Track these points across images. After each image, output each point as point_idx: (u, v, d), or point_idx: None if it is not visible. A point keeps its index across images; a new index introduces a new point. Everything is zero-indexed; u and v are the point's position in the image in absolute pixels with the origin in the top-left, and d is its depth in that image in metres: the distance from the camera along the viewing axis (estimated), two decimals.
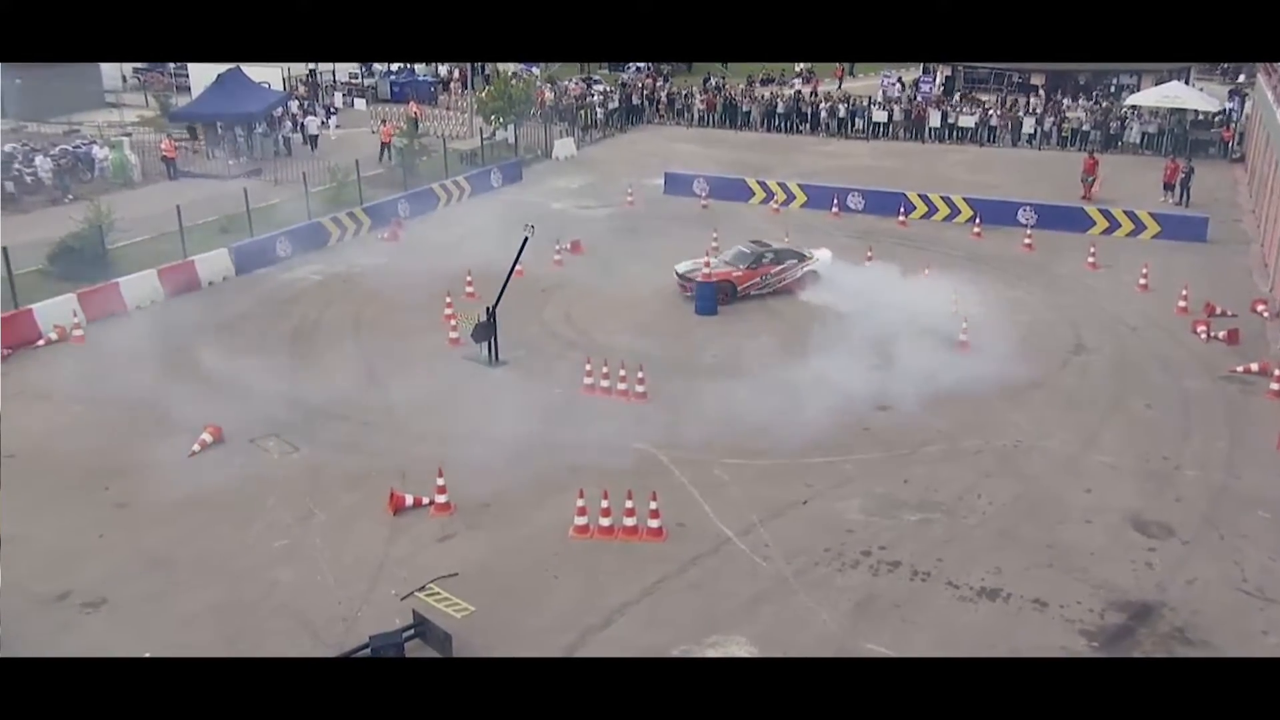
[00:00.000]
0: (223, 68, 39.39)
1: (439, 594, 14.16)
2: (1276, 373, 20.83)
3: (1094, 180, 35.98)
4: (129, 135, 40.37)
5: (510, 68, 55.38)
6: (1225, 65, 60.42)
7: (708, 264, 25.62)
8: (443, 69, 58.77)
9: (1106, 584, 14.58)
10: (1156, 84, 46.47)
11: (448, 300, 24.25)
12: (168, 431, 18.48)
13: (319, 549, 15.33)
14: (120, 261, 26.41)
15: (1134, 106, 44.86)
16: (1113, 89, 51.39)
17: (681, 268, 26.07)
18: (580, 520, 15.70)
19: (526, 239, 21.70)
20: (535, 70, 57.13)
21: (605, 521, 15.67)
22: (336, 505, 16.50)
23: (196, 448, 18.07)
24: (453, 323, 23.28)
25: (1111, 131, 43.98)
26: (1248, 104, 45.74)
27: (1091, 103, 48.82)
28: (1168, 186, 35.82)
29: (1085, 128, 44.44)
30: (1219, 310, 24.73)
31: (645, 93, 52.42)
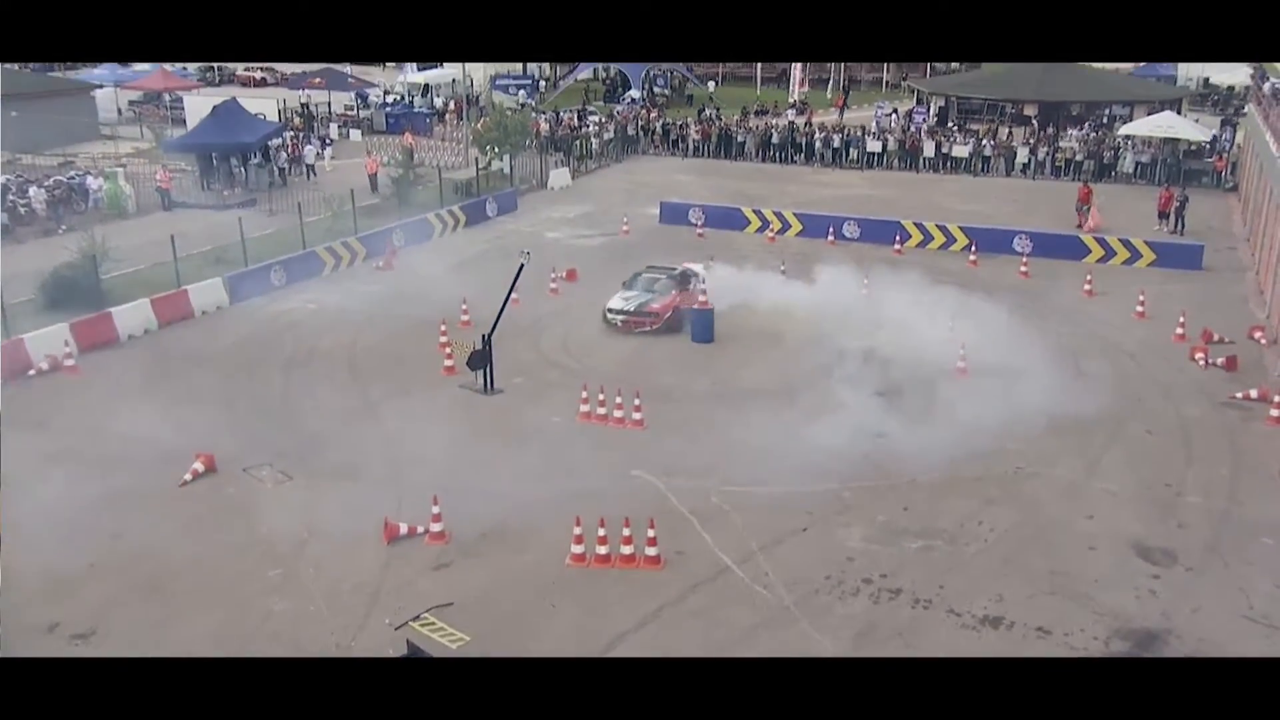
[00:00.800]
0: (218, 99, 39.41)
1: (434, 623, 13.94)
2: (1276, 399, 20.75)
3: (1089, 209, 36.02)
4: (123, 166, 40.33)
5: (505, 100, 55.52)
6: (1216, 96, 60.79)
7: (704, 294, 25.56)
8: (438, 100, 58.96)
9: (1111, 611, 14.40)
10: (1149, 114, 46.70)
11: (442, 329, 24.13)
12: (160, 461, 18.28)
13: (313, 578, 15.12)
14: (113, 291, 26.28)
15: (1127, 136, 45.03)
16: (1105, 119, 51.61)
17: (618, 305, 25.61)
18: (577, 549, 15.51)
19: (522, 266, 21.61)
20: (531, 101, 57.35)
21: (602, 550, 15.48)
22: (331, 534, 16.27)
23: (188, 477, 17.87)
24: (448, 350, 23.15)
25: (1105, 161, 44.12)
26: (1239, 134, 45.92)
27: (1083, 133, 48.93)
28: (1162, 215, 35.88)
29: (1079, 157, 44.58)
30: (1217, 337, 24.66)
31: (640, 123, 52.55)
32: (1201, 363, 23.32)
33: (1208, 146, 44.41)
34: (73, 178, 37.33)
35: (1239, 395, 21.55)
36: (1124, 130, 45.93)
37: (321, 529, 16.40)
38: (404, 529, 16.15)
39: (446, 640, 13.58)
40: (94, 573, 15.27)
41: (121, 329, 24.66)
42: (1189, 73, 64.03)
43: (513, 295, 22.08)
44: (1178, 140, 43.57)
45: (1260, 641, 13.80)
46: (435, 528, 16.08)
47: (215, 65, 70.71)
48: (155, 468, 18.12)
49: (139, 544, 15.97)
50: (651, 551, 15.43)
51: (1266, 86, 39.58)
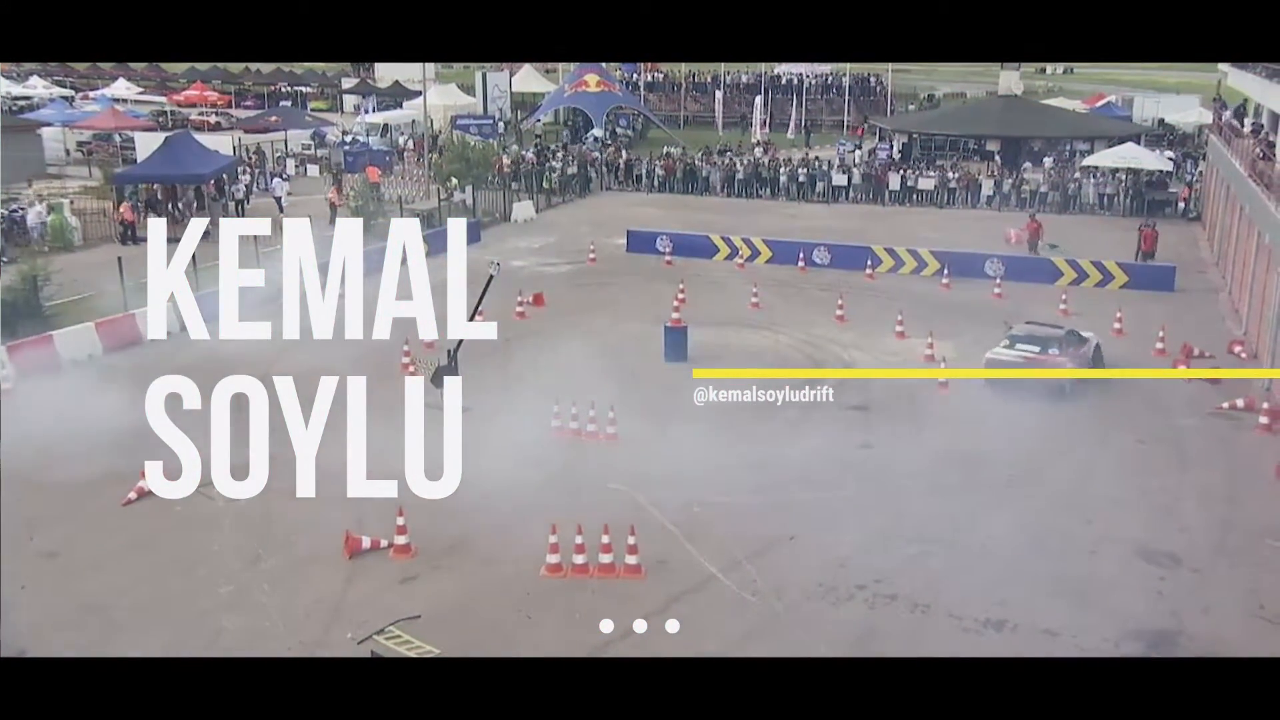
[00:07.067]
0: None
1: (399, 637, 12.93)
2: (1264, 406, 20.33)
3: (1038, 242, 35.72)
4: (68, 200, 39.18)
5: (467, 139, 54.98)
6: (1172, 136, 61.38)
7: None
8: (399, 139, 58.39)
9: (1119, 612, 13.71)
10: (1110, 146, 46.97)
11: (405, 348, 23.16)
12: (102, 481, 17.16)
13: (268, 594, 14.07)
14: (57, 317, 25.14)
15: (1094, 167, 45.16)
16: (1067, 154, 51.80)
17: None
18: (553, 559, 14.57)
19: (492, 278, 20.80)
20: (493, 140, 56.85)
21: (580, 559, 14.53)
22: (287, 550, 15.26)
23: (133, 495, 16.72)
24: (411, 369, 22.17)
25: (1069, 192, 44.19)
26: (1200, 165, 46.24)
27: (1047, 167, 48.96)
28: (1147, 255, 34.80)
29: (1043, 188, 44.63)
30: (1197, 351, 24.27)
31: (604, 159, 52.18)
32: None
33: (1172, 177, 44.69)
34: (14, 211, 36.09)
35: (1225, 405, 21.10)
36: (1088, 160, 46.07)
37: (277, 545, 15.38)
38: (366, 542, 15.16)
39: (414, 654, 12.56)
40: (27, 594, 14.10)
41: (63, 353, 23.45)
42: (1143, 113, 64.75)
43: (479, 310, 21.20)
44: (1139, 171, 43.76)
45: (1276, 641, 13.15)
46: (400, 540, 15.08)
47: (168, 110, 69.71)
48: (96, 488, 17.00)
49: (76, 564, 14.83)
50: (632, 560, 14.53)
51: (1226, 115, 39.95)
